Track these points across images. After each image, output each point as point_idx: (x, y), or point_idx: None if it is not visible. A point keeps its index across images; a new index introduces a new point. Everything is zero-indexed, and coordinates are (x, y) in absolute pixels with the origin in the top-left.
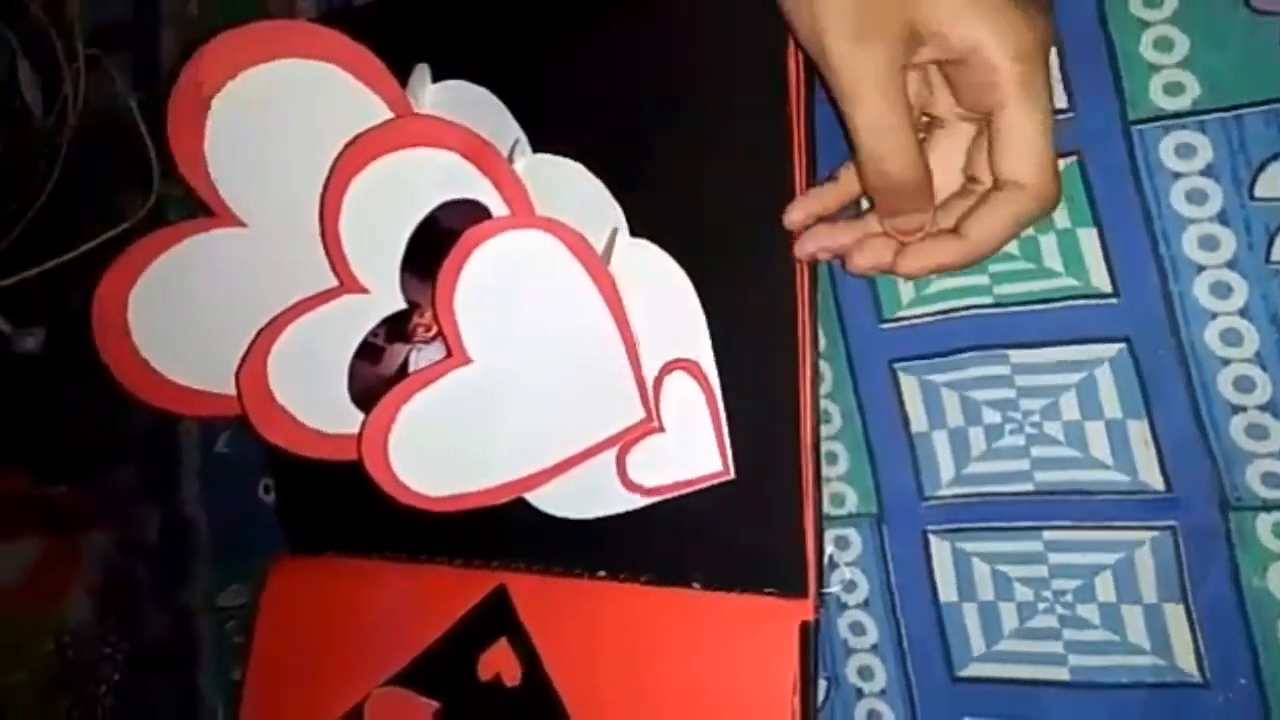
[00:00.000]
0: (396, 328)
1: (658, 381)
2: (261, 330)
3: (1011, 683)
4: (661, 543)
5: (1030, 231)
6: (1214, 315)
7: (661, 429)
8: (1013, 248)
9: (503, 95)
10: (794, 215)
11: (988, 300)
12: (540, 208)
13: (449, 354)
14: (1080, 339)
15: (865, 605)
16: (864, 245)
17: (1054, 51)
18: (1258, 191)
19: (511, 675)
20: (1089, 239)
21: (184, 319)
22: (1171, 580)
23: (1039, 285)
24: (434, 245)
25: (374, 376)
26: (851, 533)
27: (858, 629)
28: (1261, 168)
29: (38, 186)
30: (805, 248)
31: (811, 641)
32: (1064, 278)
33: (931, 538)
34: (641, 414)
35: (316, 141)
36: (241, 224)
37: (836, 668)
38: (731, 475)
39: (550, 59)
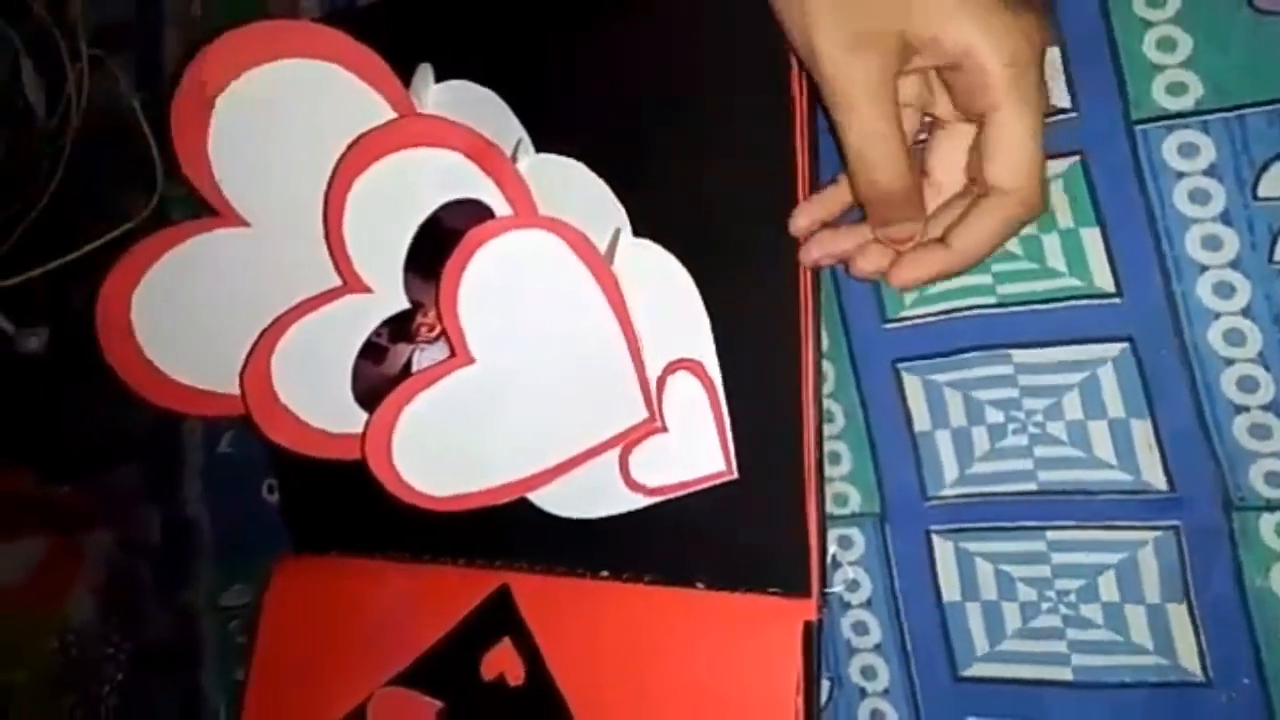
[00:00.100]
0: (400, 327)
1: (660, 381)
2: (265, 330)
3: (1015, 682)
4: (664, 543)
5: (1033, 231)
6: (1217, 315)
7: (664, 429)
8: (1016, 248)
9: (505, 95)
10: (799, 221)
11: (991, 300)
12: (543, 208)
13: (452, 354)
14: (1083, 339)
15: (868, 605)
16: (866, 250)
17: (1058, 52)
18: (1261, 191)
19: (515, 675)
20: (1092, 239)
21: (188, 319)
22: (1175, 580)
23: (1042, 285)
24: (437, 245)
25: (377, 376)
26: (854, 532)
27: (861, 629)
28: (1264, 168)
29: (41, 186)
30: (810, 255)
31: (815, 641)
32: (1067, 278)
33: (935, 537)
34: (644, 414)
35: (320, 141)
36: (245, 224)
37: (840, 667)
38: (734, 475)
39: (553, 59)
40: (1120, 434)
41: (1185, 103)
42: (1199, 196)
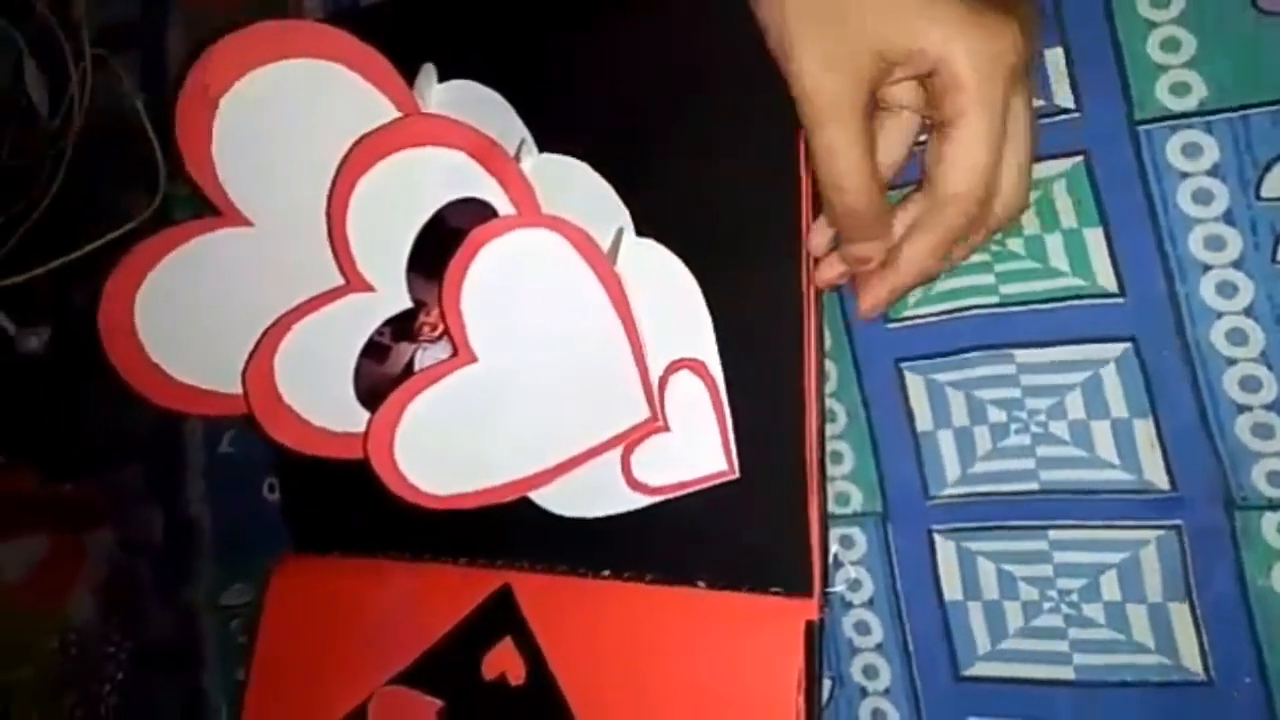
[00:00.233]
0: (403, 327)
1: (663, 381)
2: (268, 329)
3: (1016, 682)
4: (666, 542)
5: (1036, 231)
6: (1220, 315)
7: (666, 428)
8: (1019, 247)
9: (509, 95)
10: (816, 240)
11: (994, 300)
12: (546, 207)
13: (455, 353)
14: (1086, 338)
15: (870, 604)
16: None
17: (1061, 53)
18: (1264, 191)
19: (516, 674)
20: (1095, 239)
21: (190, 318)
22: (1176, 579)
23: (1045, 285)
24: (440, 244)
25: (380, 375)
26: (856, 532)
27: (862, 628)
28: (1268, 168)
29: (43, 186)
30: (825, 274)
31: (816, 640)
32: (1070, 277)
33: (936, 537)
34: (646, 413)
35: (323, 141)
36: (248, 223)
37: (841, 667)
38: (736, 474)
39: (556, 59)
40: (1122, 433)
41: (1189, 103)
42: (1202, 196)
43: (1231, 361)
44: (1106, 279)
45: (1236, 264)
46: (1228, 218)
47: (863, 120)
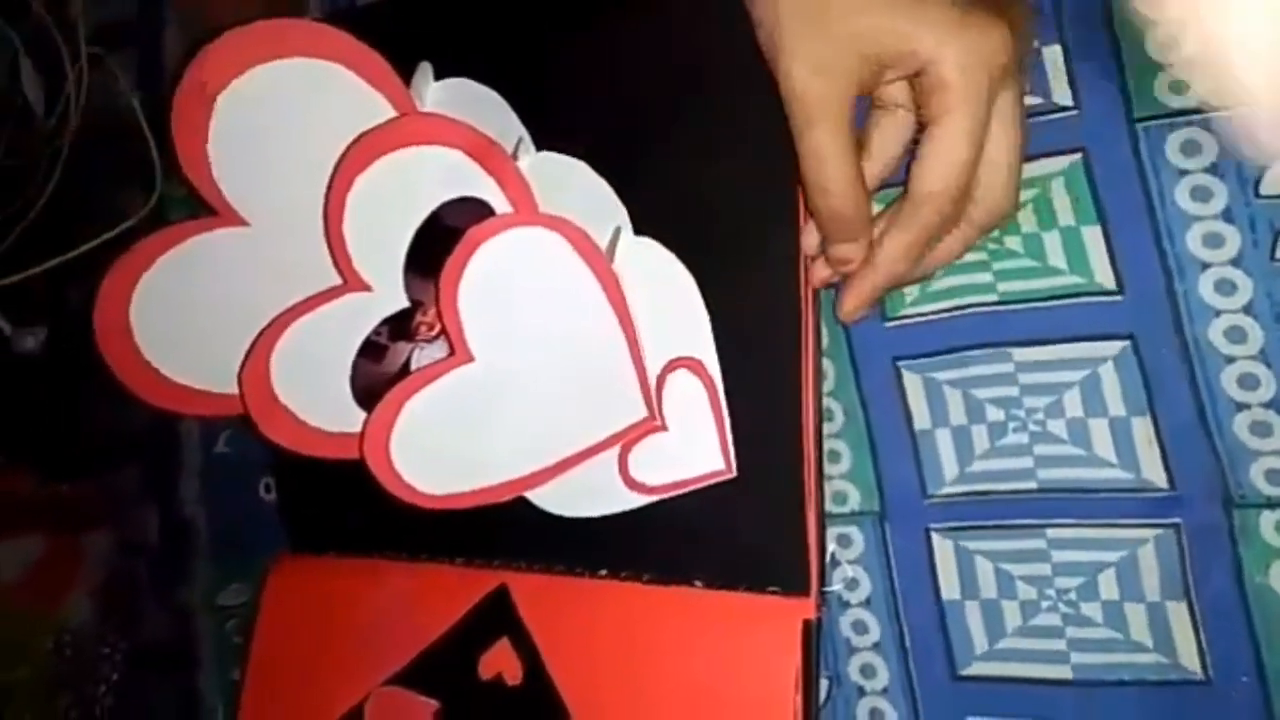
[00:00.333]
0: (399, 326)
1: (660, 380)
2: (264, 329)
3: (1014, 681)
4: (663, 541)
5: (1034, 228)
6: (1218, 313)
7: (664, 428)
8: (1016, 245)
9: (506, 94)
10: (811, 240)
11: (991, 298)
12: (544, 206)
13: (452, 352)
14: (1084, 336)
15: (867, 603)
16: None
17: (1059, 50)
18: (1263, 189)
19: (513, 675)
20: (1093, 236)
21: (186, 318)
22: (1174, 578)
23: (1043, 283)
24: (438, 243)
25: (376, 375)
26: (854, 531)
27: (860, 627)
28: (1267, 165)
29: (39, 186)
30: (819, 275)
31: (813, 640)
32: (1068, 275)
33: (934, 536)
34: (644, 412)
35: (320, 140)
36: (245, 223)
37: (839, 666)
38: (733, 474)
39: (553, 58)
40: (1120, 432)
41: (1188, 100)
42: (1201, 194)
43: (1230, 359)
44: (1105, 277)
45: (1235, 261)
46: (1226, 215)
47: (849, 122)
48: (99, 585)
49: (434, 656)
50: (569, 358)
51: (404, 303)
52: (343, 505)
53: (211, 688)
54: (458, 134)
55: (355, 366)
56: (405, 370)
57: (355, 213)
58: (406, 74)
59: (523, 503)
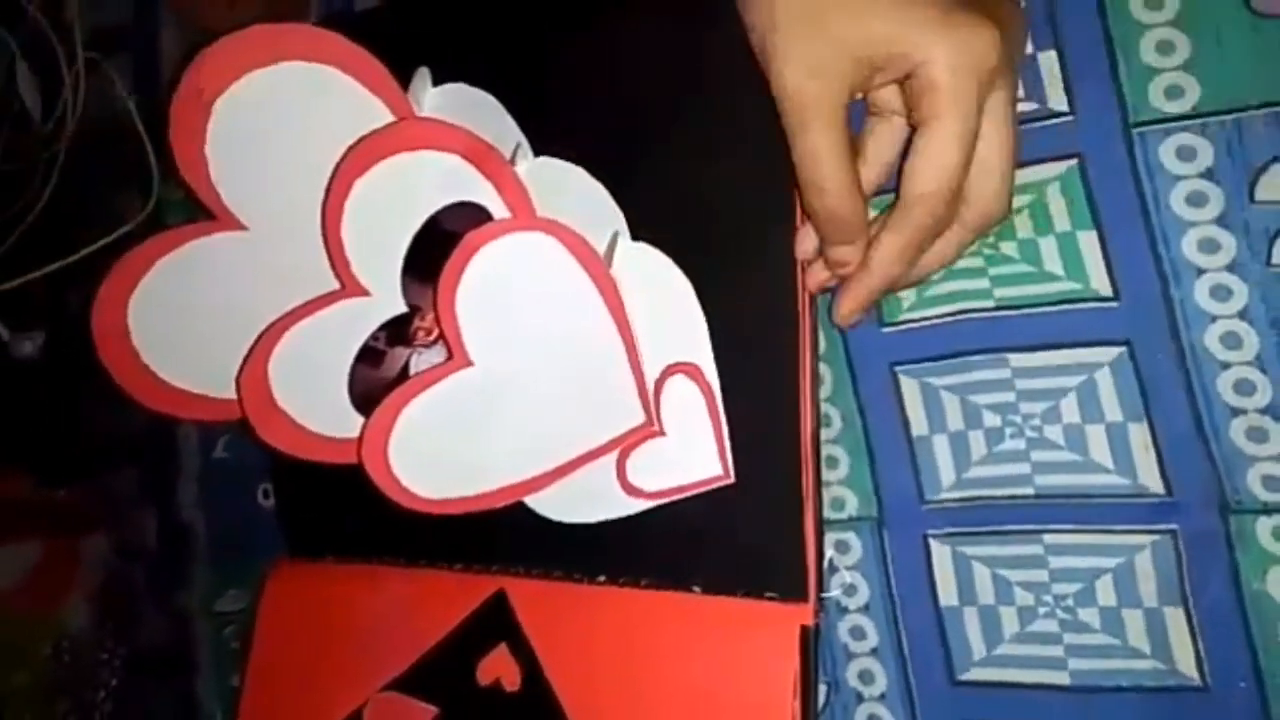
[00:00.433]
0: (398, 331)
1: (658, 385)
2: (262, 334)
3: (1012, 687)
4: (661, 547)
5: (1030, 234)
6: (1214, 318)
7: (662, 433)
8: (1013, 251)
9: (503, 99)
10: (805, 245)
11: (988, 303)
12: (541, 211)
13: (450, 357)
14: (1080, 342)
15: (865, 609)
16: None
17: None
18: (1258, 195)
19: (511, 680)
20: (1089, 242)
21: (184, 323)
22: (1172, 584)
23: (1039, 288)
24: (436, 248)
25: (375, 380)
26: (851, 536)
27: (858, 633)
28: (1262, 171)
29: (36, 190)
30: (816, 278)
31: (812, 645)
32: (1064, 281)
33: (932, 541)
34: (642, 418)
35: (318, 145)
36: (243, 227)
37: (837, 672)
38: (731, 479)
39: (550, 63)
40: (1117, 437)
41: (1183, 106)
42: (1196, 199)
43: (1226, 365)
44: (1101, 282)
45: (1230, 267)
46: (1222, 221)
47: (843, 124)
48: (97, 590)
49: (432, 662)
50: (567, 363)
51: (402, 307)
52: (341, 510)
53: (210, 693)
54: (455, 139)
55: (353, 371)
56: (403, 375)
57: (353, 217)
58: (404, 79)
59: (521, 508)
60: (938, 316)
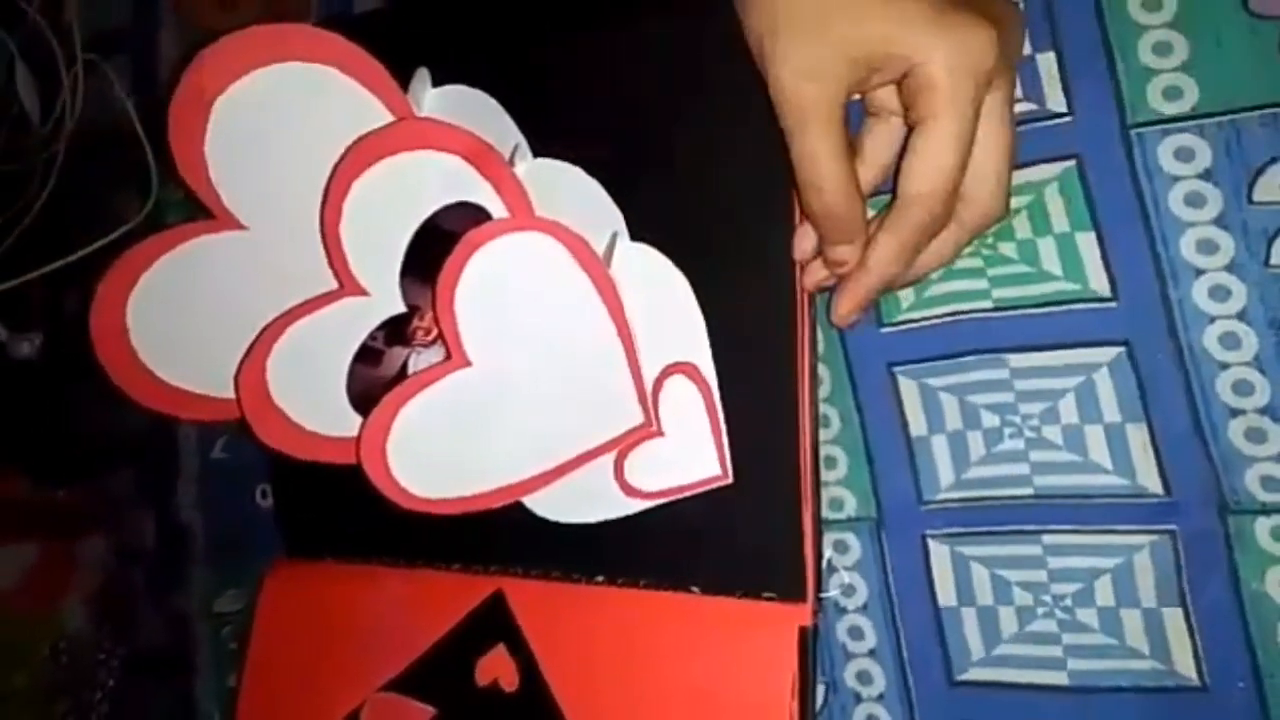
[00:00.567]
0: (396, 331)
1: (657, 385)
2: (261, 333)
3: (1010, 687)
4: (660, 547)
5: (1029, 235)
6: (1213, 319)
7: (660, 433)
8: (1011, 251)
9: (503, 100)
10: (803, 245)
11: (987, 304)
12: (540, 211)
13: (448, 356)
14: (1079, 343)
15: (864, 609)
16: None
17: (1053, 57)
18: (1256, 195)
19: (509, 681)
20: (1087, 242)
21: (183, 322)
22: (1170, 584)
23: (1037, 289)
24: (435, 248)
25: (373, 380)
26: (850, 537)
27: (856, 633)
28: (1260, 171)
29: (35, 191)
30: (815, 277)
31: (810, 646)
32: (1062, 281)
33: (930, 542)
34: (640, 418)
35: (317, 145)
36: (242, 227)
37: (835, 672)
38: (730, 479)
39: (550, 64)
40: (1116, 438)
41: (1181, 106)
42: (1194, 200)
43: (1224, 365)
44: (1099, 283)
45: (1229, 268)
46: (1220, 221)
47: (841, 124)
48: (95, 591)
49: (430, 662)
50: (565, 363)
51: (401, 307)
52: (339, 510)
53: (208, 694)
54: (455, 139)
55: (352, 371)
56: (402, 375)
57: (352, 217)
58: (404, 80)
59: (519, 508)
60: (936, 317)
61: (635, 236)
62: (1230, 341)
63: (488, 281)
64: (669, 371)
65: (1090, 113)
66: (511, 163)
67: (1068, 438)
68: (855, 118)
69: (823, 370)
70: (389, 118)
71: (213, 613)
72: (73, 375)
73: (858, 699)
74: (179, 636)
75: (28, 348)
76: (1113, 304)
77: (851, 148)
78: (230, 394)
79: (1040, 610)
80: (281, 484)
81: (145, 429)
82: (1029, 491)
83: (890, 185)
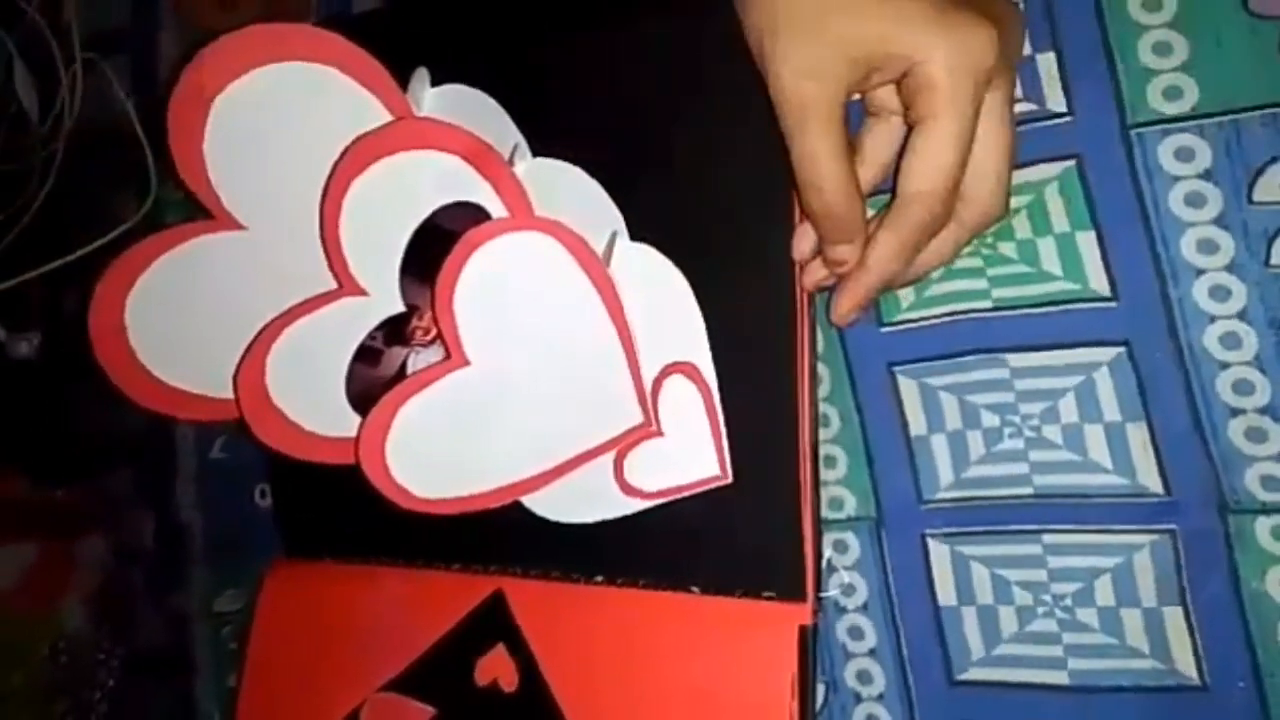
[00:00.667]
0: (395, 331)
1: (656, 385)
2: (260, 333)
3: (1011, 687)
4: (659, 547)
5: (1028, 234)
6: (1213, 318)
7: (660, 433)
8: (1011, 251)
9: (502, 99)
10: (802, 246)
11: (986, 304)
12: (539, 211)
13: (447, 356)
14: (1079, 342)
15: (864, 609)
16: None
17: (1053, 57)
18: (1256, 195)
19: (509, 681)
20: (1087, 242)
21: (181, 322)
22: (1170, 584)
23: (1037, 289)
24: (434, 248)
25: (372, 379)
26: (850, 536)
27: (856, 633)
28: (1260, 171)
29: (34, 190)
30: (814, 276)
31: (810, 645)
32: (1062, 281)
33: (930, 541)
34: (640, 418)
35: (316, 144)
36: (240, 227)
37: (835, 672)
38: (729, 479)
39: (549, 64)
40: (1116, 437)
41: (1181, 106)
42: (1195, 200)
43: (1225, 365)
44: (1099, 283)
45: (1229, 268)
46: (1220, 221)
47: (841, 124)
48: (94, 591)
49: (430, 663)
50: (565, 362)
51: (400, 307)
52: (338, 510)
53: (207, 694)
54: (454, 139)
55: (351, 371)
56: (401, 375)
57: (351, 217)
58: (403, 79)
59: (518, 508)
60: (936, 316)
61: (635, 236)
62: (1230, 341)
63: (487, 281)
64: (668, 371)
65: (1090, 113)
66: (511, 162)
67: (1067, 437)
68: (855, 117)
69: (822, 370)
70: (388, 117)
71: (212, 612)
72: (71, 375)
73: (858, 699)
74: (178, 636)
75: (26, 347)
76: (1113, 304)
77: (851, 147)
78: (229, 394)
79: (1040, 610)
80: (280, 484)
81: (144, 429)
82: (1029, 491)
83: (890, 184)
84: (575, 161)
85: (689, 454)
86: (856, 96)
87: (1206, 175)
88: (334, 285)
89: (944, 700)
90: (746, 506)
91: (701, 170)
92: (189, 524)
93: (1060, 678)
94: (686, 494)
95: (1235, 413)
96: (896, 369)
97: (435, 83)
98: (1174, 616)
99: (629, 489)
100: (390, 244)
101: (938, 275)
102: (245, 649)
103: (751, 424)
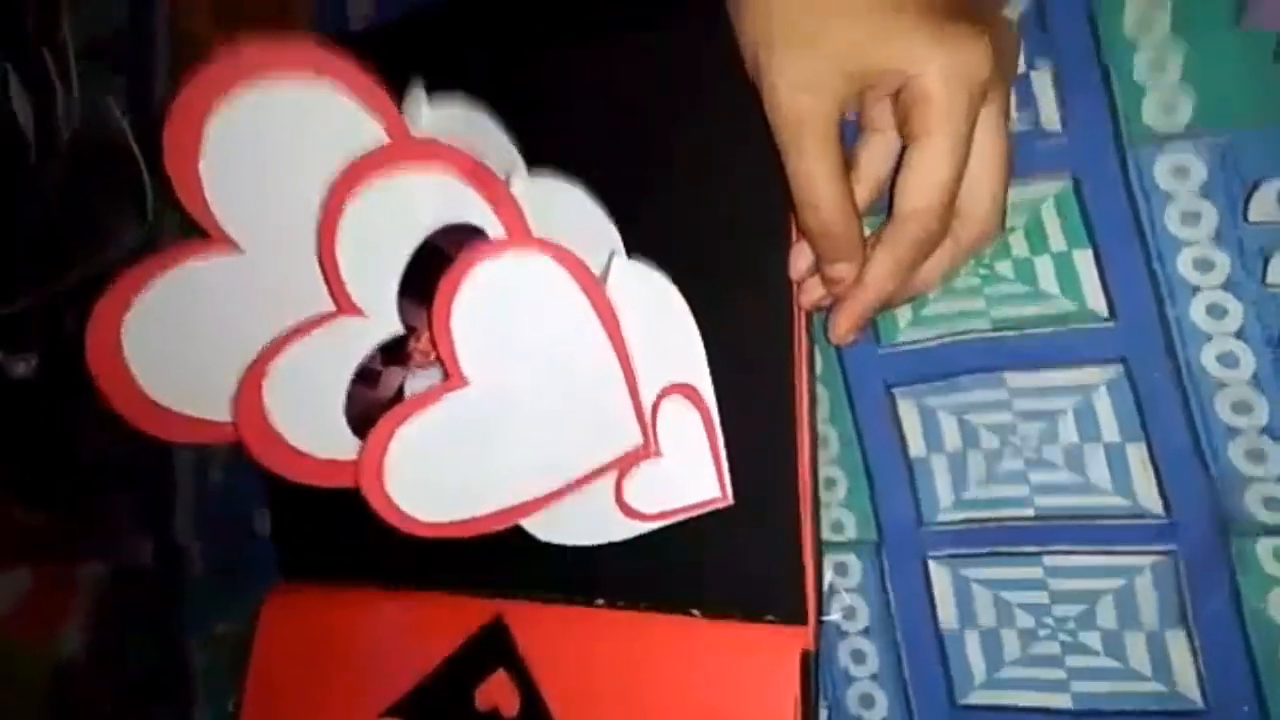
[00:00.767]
0: (393, 352)
1: (655, 406)
2: (257, 355)
3: (1014, 710)
4: (659, 570)
5: (1025, 253)
6: (1210, 337)
7: (659, 455)
8: (1008, 271)
9: (499, 117)
10: (799, 264)
11: (984, 324)
12: (537, 230)
13: (446, 378)
14: (1077, 362)
15: (866, 633)
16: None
17: (1049, 74)
18: (1251, 213)
19: (509, 707)
20: (1085, 260)
21: (179, 344)
22: (1172, 606)
23: (1035, 308)
24: (431, 269)
25: (371, 401)
26: (851, 559)
27: (858, 657)
28: (1254, 188)
29: (30, 211)
30: (811, 295)
31: (812, 669)
32: (1060, 300)
33: (932, 564)
34: (639, 440)
35: (313, 163)
36: (237, 248)
37: (837, 695)
38: (729, 501)
39: (547, 81)
40: (1116, 458)
41: (1176, 124)
42: (1190, 218)
43: (1222, 384)
44: (1097, 302)
45: (1225, 286)
46: (1216, 239)
47: (837, 140)
48: (91, 615)
49: (430, 689)
50: (563, 384)
51: (398, 328)
52: (338, 534)
53: (207, 719)
54: (451, 158)
55: (349, 393)
56: (399, 396)
57: (348, 237)
58: (400, 97)
59: (518, 531)
60: (934, 337)
61: (633, 255)
62: (1228, 360)
63: (484, 301)
64: (667, 392)
65: (1085, 129)
66: (508, 181)
67: (1068, 457)
68: (850, 133)
69: (822, 391)
70: (385, 136)
71: (211, 637)
72: (69, 397)
73: None
74: (177, 661)
75: (23, 368)
76: (1110, 323)
77: (847, 163)
78: (227, 417)
79: (1043, 633)
80: (279, 507)
81: (141, 452)
82: (1030, 512)
83: (886, 202)
84: (573, 180)
85: (689, 476)
86: (852, 116)
87: (1201, 193)
88: (332, 307)
89: None
90: (747, 529)
91: (699, 189)
92: (188, 547)
93: (1063, 701)
94: (686, 516)
95: (1234, 433)
96: (895, 390)
97: (432, 101)
98: (1176, 639)
99: (629, 511)
100: (388, 265)
101: (935, 295)
102: (245, 674)
103: (751, 445)
